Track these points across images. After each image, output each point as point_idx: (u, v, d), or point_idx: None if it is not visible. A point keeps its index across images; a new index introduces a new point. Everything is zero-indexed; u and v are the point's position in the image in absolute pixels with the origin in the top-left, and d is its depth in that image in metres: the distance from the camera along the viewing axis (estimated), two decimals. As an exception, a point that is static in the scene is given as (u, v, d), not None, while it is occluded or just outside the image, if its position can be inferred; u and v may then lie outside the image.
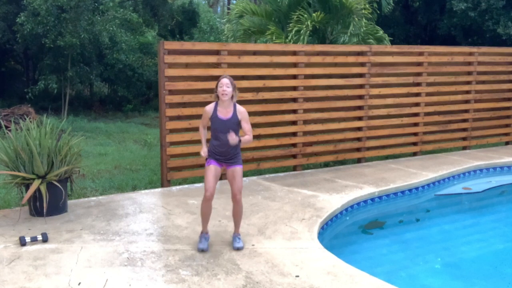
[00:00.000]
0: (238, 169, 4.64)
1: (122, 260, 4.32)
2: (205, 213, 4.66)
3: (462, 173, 8.03)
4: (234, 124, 4.56)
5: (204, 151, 4.71)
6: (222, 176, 7.03)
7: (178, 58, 6.76)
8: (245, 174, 7.62)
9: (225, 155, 4.60)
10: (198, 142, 7.00)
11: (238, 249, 4.57)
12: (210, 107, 4.63)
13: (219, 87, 4.51)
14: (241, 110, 4.62)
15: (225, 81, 4.50)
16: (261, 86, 7.42)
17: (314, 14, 10.04)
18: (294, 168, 7.90)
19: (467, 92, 9.49)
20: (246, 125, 4.63)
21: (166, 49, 6.69)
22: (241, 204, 4.69)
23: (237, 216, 4.73)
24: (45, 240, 4.68)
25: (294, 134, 7.82)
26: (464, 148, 9.73)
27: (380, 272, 4.43)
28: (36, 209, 5.35)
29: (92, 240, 4.76)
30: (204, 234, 4.70)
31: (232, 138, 4.44)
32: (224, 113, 4.55)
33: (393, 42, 11.84)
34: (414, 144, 9.09)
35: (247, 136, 4.62)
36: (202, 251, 4.53)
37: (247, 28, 11.40)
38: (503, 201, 7.49)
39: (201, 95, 6.95)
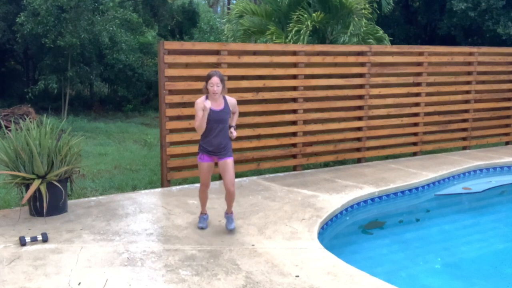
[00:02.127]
0: (229, 161, 4.90)
1: (122, 260, 4.32)
2: (203, 198, 5.14)
3: (462, 173, 8.03)
4: (227, 114, 4.89)
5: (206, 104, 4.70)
6: (221, 176, 7.05)
7: (178, 58, 6.76)
8: (245, 174, 7.63)
9: (217, 147, 4.85)
10: (198, 142, 6.99)
11: (231, 230, 4.95)
12: (201, 100, 4.85)
13: (210, 86, 4.77)
14: (232, 102, 4.97)
15: (215, 80, 4.74)
16: (261, 86, 7.42)
17: (314, 14, 10.03)
18: (294, 168, 7.90)
19: (467, 92, 9.49)
20: (234, 115, 5.10)
21: (166, 49, 6.69)
22: (234, 193, 4.99)
23: (229, 200, 5.04)
24: (45, 240, 4.68)
25: (294, 134, 7.82)
26: (464, 148, 9.73)
27: (380, 272, 4.43)
28: (36, 209, 5.35)
29: (92, 240, 4.76)
30: (203, 215, 5.17)
31: (233, 135, 4.87)
32: (216, 105, 4.83)
33: (393, 42, 11.84)
34: (414, 144, 9.09)
35: (234, 116, 5.05)
36: (201, 229, 5.04)
37: (247, 28, 11.39)
38: (503, 201, 7.49)
39: (201, 95, 6.92)
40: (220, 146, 4.85)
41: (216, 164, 5.01)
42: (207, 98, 4.83)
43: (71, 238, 4.81)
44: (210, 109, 4.76)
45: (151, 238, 4.86)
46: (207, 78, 4.78)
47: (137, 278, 3.98)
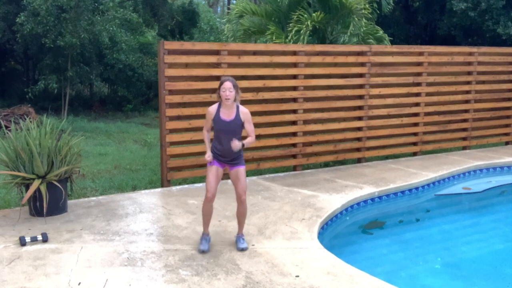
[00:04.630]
0: (241, 169, 4.62)
1: (122, 260, 4.32)
2: (206, 214, 4.67)
3: (462, 173, 8.03)
4: (237, 126, 4.54)
5: (208, 155, 4.58)
6: (224, 176, 7.05)
7: (178, 58, 6.76)
8: (245, 174, 7.61)
9: (227, 157, 4.58)
10: (198, 142, 7.00)
11: (243, 249, 4.56)
12: (213, 108, 4.59)
13: (222, 91, 4.47)
14: (244, 112, 4.59)
15: (228, 85, 4.45)
16: (261, 86, 7.42)
17: (314, 14, 10.04)
18: (294, 168, 7.90)
19: (467, 92, 9.49)
20: (249, 126, 4.60)
21: (166, 49, 6.69)
22: (246, 205, 4.69)
23: (241, 216, 4.71)
24: (45, 240, 4.68)
25: (294, 134, 7.82)
26: (464, 148, 9.73)
27: (380, 272, 4.43)
28: (36, 209, 5.35)
29: (92, 240, 4.76)
30: (205, 236, 4.68)
31: (235, 145, 4.43)
32: (227, 115, 4.52)
33: (393, 42, 11.84)
34: (414, 144, 9.09)
35: (249, 138, 4.59)
36: (203, 252, 4.52)
37: (247, 28, 11.40)
38: (503, 201, 7.49)
39: (201, 95, 6.95)
40: (232, 156, 4.58)
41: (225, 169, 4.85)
42: (219, 106, 4.57)
43: (71, 238, 4.81)
44: (220, 119, 4.52)
45: (151, 238, 4.86)
46: (219, 84, 4.51)
47: (137, 278, 3.98)
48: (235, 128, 4.53)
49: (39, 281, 3.91)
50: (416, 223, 6.38)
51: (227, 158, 4.59)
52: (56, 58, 13.78)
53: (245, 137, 4.62)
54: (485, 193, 7.47)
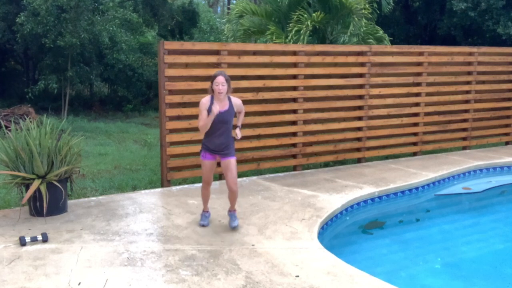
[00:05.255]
0: (232, 160, 4.93)
1: (122, 260, 4.32)
2: (205, 196, 5.20)
3: (462, 173, 8.03)
4: (231, 115, 4.93)
5: (214, 109, 4.61)
6: (221, 176, 7.05)
7: (178, 58, 6.76)
8: (245, 174, 7.62)
9: (219, 146, 4.88)
10: (198, 142, 7.00)
11: (234, 227, 4.98)
12: (206, 100, 4.86)
13: (215, 85, 4.76)
14: (237, 103, 4.98)
15: (220, 79, 4.74)
16: (261, 86, 7.42)
17: (314, 14, 10.04)
18: (294, 168, 7.90)
19: (467, 92, 9.49)
20: (241, 116, 5.15)
21: (166, 49, 6.69)
22: (237, 192, 5.02)
23: (232, 199, 5.07)
24: (45, 240, 4.68)
25: (294, 134, 7.82)
26: (464, 148, 9.73)
27: (380, 272, 4.43)
28: (36, 209, 5.35)
29: (92, 240, 4.77)
30: (205, 213, 5.25)
31: (237, 137, 4.95)
32: (221, 106, 4.82)
33: (393, 42, 11.85)
34: (414, 144, 9.09)
35: (241, 115, 5.13)
36: (203, 226, 5.13)
37: (247, 28, 11.40)
38: (503, 201, 7.49)
39: (201, 95, 6.91)
40: (223, 145, 4.88)
41: (218, 163, 5.04)
42: (212, 98, 4.82)
43: (71, 238, 4.81)
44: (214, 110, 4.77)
45: (151, 238, 4.86)
46: (212, 78, 4.79)
47: (137, 278, 3.98)
48: (228, 118, 4.87)
49: (39, 281, 3.91)
50: (416, 223, 6.38)
51: (219, 148, 4.88)
52: (56, 58, 13.79)
53: (235, 125, 5.08)
54: (485, 193, 7.47)
